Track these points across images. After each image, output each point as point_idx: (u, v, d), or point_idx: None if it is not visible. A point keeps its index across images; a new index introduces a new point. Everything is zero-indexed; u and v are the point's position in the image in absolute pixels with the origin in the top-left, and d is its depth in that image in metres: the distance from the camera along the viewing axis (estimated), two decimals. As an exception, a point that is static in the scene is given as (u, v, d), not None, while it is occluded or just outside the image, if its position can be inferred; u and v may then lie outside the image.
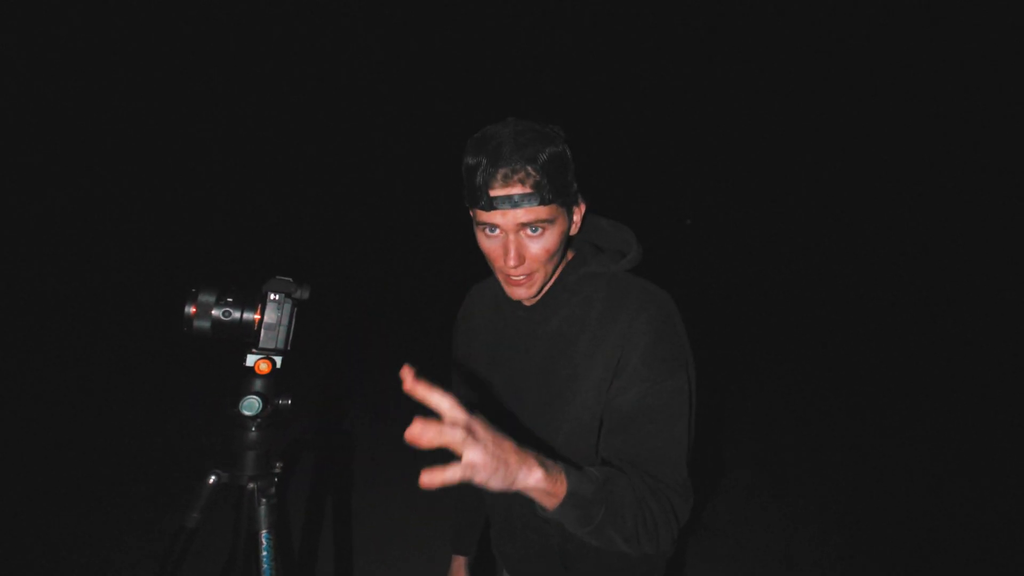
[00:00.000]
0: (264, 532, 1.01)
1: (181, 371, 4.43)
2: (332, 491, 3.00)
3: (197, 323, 0.97)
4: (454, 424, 0.60)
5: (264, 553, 1.00)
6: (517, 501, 1.01)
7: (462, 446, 0.60)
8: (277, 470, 1.07)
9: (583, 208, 0.93)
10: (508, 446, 0.65)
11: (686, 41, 13.03)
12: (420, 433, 0.58)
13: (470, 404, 0.64)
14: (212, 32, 11.49)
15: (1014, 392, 4.70)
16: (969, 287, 8.79)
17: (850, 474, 3.39)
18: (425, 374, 0.61)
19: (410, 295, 7.85)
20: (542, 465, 0.68)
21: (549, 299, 0.95)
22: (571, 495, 0.71)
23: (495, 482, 0.63)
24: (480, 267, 1.01)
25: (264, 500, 1.02)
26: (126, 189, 10.89)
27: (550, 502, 0.71)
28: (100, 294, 6.73)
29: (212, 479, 1.04)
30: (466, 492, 1.23)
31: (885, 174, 12.60)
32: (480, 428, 0.62)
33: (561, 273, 0.95)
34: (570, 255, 0.98)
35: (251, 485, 1.03)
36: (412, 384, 0.59)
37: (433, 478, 0.58)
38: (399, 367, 0.59)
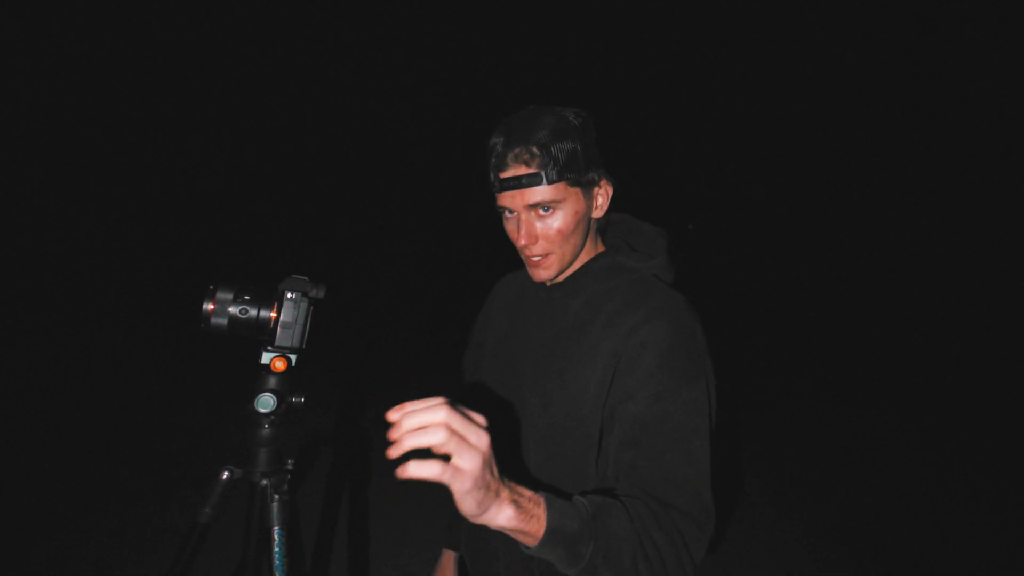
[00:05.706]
0: (276, 528, 1.02)
1: (195, 368, 4.50)
2: (348, 489, 3.03)
3: (214, 320, 0.98)
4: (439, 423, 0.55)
5: (276, 549, 1.01)
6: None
7: (454, 448, 0.55)
8: (289, 467, 1.08)
9: (609, 190, 0.92)
10: (495, 474, 0.60)
11: (688, 46, 12.97)
12: (399, 422, 0.54)
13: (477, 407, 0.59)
14: (239, 37, 11.73)
15: None
16: (975, 293, 8.59)
17: (856, 487, 3.36)
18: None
19: (428, 293, 7.89)
20: (514, 503, 0.62)
21: (571, 282, 0.95)
22: (551, 532, 0.65)
23: (468, 502, 0.57)
24: (498, 263, 1.01)
25: (277, 496, 1.03)
26: (145, 190, 11.13)
27: (528, 540, 0.65)
28: (119, 292, 6.87)
29: (225, 475, 1.05)
30: None
31: (887, 179, 12.42)
32: (481, 437, 0.57)
33: (588, 261, 0.96)
34: (601, 248, 0.99)
35: (264, 482, 1.04)
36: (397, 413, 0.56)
37: (415, 470, 0.54)
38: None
